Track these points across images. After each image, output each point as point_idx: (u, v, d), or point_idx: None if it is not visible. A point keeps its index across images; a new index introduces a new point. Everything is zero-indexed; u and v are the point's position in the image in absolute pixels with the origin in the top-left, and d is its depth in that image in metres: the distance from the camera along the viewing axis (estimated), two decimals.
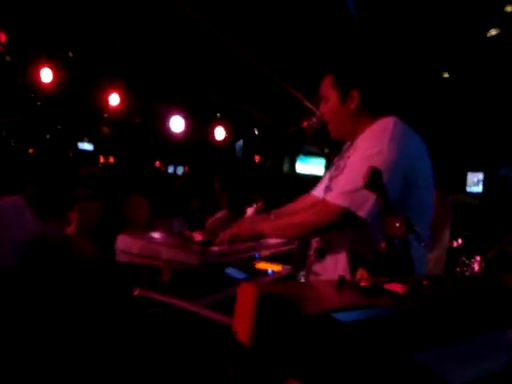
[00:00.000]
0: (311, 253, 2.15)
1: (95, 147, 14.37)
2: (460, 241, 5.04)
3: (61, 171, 3.31)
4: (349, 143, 2.21)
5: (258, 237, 2.19)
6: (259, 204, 5.57)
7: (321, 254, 2.12)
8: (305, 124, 2.51)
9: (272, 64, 6.29)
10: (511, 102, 7.20)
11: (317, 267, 2.12)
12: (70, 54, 7.31)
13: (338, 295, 0.98)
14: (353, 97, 2.08)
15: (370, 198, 1.79)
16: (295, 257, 3.24)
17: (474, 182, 10.53)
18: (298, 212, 2.24)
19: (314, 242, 2.15)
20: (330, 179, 2.20)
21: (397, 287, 1.11)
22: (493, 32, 5.24)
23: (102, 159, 13.33)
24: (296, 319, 0.83)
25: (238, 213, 4.63)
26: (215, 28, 5.61)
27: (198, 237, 2.48)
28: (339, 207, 1.84)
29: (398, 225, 1.56)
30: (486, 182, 10.22)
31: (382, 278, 1.29)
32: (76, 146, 14.08)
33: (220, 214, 4.53)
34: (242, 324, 0.92)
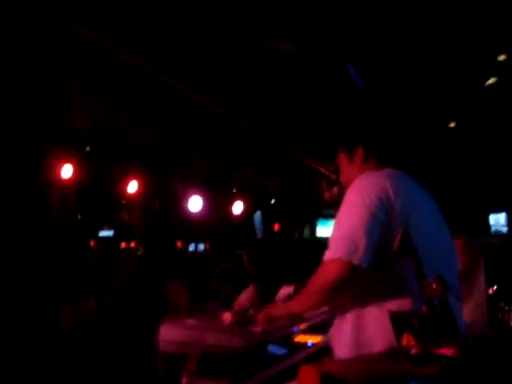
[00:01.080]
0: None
1: (115, 233, 14.55)
2: (495, 287, 4.95)
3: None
4: None
5: (291, 317, 2.24)
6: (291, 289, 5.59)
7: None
8: (327, 195, 2.62)
9: (282, 134, 6.49)
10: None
11: (330, 335, 2.15)
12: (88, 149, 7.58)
13: (394, 367, 1.02)
14: (358, 154, 2.20)
15: (360, 244, 1.84)
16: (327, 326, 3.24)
17: (499, 223, 10.43)
18: (310, 280, 2.28)
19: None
20: None
21: (447, 351, 1.14)
22: (490, 81, 5.45)
23: (123, 244, 13.48)
24: None
25: (265, 287, 4.63)
26: (226, 106, 5.85)
27: (228, 317, 2.50)
28: (334, 261, 1.88)
29: (434, 286, 1.60)
30: (510, 222, 10.13)
31: (429, 343, 1.32)
32: (97, 234, 14.31)
33: (248, 291, 4.54)
34: None
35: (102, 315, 3.53)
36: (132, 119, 5.73)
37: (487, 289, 4.15)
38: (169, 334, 2.26)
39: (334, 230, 1.98)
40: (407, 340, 1.47)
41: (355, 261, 1.83)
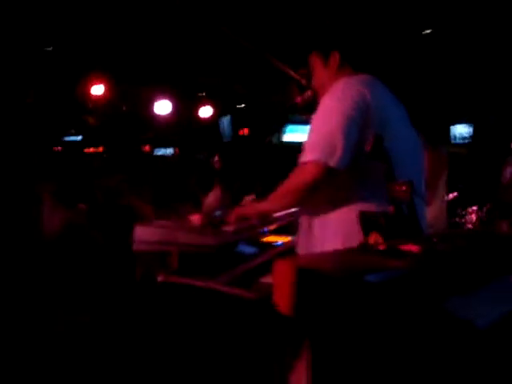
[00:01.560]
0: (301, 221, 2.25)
1: (83, 138, 14.31)
2: (455, 193, 5.17)
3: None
4: None
5: (262, 216, 2.29)
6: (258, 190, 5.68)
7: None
8: (298, 99, 2.60)
9: (255, 38, 6.31)
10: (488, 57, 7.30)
11: (305, 238, 2.22)
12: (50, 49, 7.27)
13: (364, 260, 1.09)
14: (334, 58, 2.18)
15: (337, 147, 1.87)
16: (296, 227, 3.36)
17: (461, 133, 10.63)
18: (285, 180, 2.30)
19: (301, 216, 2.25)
20: None
21: (412, 247, 1.22)
22: None
23: (91, 149, 13.32)
24: (331, 286, 0.94)
25: (232, 189, 4.72)
26: (195, 6, 5.60)
27: (197, 218, 2.56)
28: (311, 163, 1.91)
29: (403, 188, 1.66)
30: (474, 132, 10.34)
31: (395, 240, 1.40)
32: (63, 139, 14.03)
33: (215, 193, 4.61)
34: (282, 296, 1.02)
35: (93, 217, 3.59)
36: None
37: (447, 195, 4.35)
38: (142, 234, 2.30)
39: (311, 133, 1.99)
40: (374, 238, 1.55)
41: (332, 163, 1.86)
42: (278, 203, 2.14)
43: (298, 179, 1.99)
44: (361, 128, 1.91)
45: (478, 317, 0.77)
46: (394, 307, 0.85)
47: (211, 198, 4.64)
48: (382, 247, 1.23)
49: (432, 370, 0.80)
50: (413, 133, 2.21)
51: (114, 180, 4.72)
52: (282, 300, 1.01)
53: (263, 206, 2.19)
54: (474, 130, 10.44)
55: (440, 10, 6.17)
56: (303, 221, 2.21)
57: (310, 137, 2.00)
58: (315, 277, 0.97)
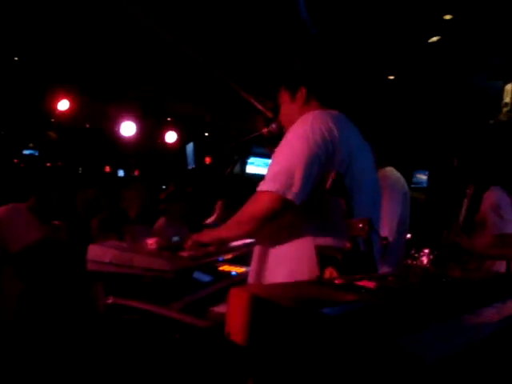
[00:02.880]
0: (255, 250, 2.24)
1: (40, 153, 14.03)
2: (409, 235, 5.28)
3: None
4: None
5: (219, 242, 2.27)
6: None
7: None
8: (264, 130, 2.62)
9: (224, 68, 6.38)
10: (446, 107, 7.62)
11: (257, 267, 2.21)
12: (16, 58, 7.16)
13: (320, 293, 1.09)
14: (301, 94, 2.22)
15: (297, 180, 1.86)
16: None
17: (420, 179, 11.00)
18: (241, 208, 2.29)
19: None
20: None
21: (367, 283, 1.23)
22: (434, 39, 5.57)
23: (48, 164, 13.03)
24: (286, 317, 0.93)
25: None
26: (166, 30, 5.64)
27: (152, 243, 2.52)
28: (268, 193, 1.89)
29: (361, 225, 1.69)
30: (430, 179, 10.71)
31: (350, 275, 1.41)
32: (20, 153, 13.72)
33: (160, 222, 4.57)
34: (235, 325, 1.01)
35: (74, 232, 3.51)
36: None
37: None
38: (96, 253, 2.25)
39: (273, 162, 1.99)
40: (330, 273, 1.57)
41: (289, 195, 1.86)
42: (234, 231, 2.11)
43: (254, 208, 1.97)
44: (323, 164, 1.91)
45: (429, 352, 0.78)
46: (349, 341, 0.85)
47: (163, 222, 4.59)
48: (337, 281, 1.23)
49: None
50: (374, 171, 2.25)
51: (91, 194, 4.66)
52: (235, 329, 1.00)
53: (219, 232, 2.17)
54: (430, 177, 10.80)
55: (406, 58, 6.42)
56: (256, 250, 2.19)
57: (271, 166, 2.00)
58: (270, 307, 0.96)
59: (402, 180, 3.30)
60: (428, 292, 1.23)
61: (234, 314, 1.01)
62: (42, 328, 2.83)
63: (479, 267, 3.41)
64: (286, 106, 2.29)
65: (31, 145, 14.21)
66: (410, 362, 0.76)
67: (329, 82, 2.32)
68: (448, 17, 5.16)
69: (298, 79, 2.26)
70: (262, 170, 12.42)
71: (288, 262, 2.01)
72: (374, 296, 1.08)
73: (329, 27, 5.09)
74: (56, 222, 3.34)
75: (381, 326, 0.88)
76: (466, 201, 3.55)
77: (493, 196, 3.33)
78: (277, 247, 2.06)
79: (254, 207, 1.96)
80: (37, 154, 14.53)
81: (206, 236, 2.22)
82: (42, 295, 2.93)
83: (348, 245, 1.65)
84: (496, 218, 3.25)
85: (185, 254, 2.31)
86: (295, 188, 1.86)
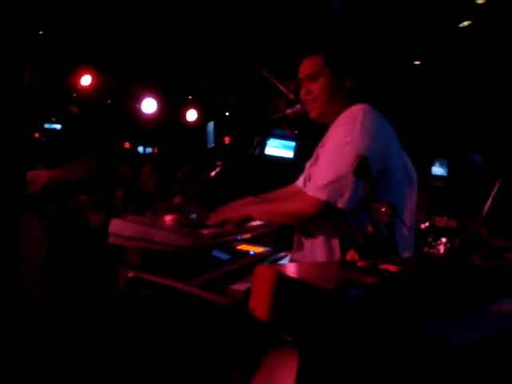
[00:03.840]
0: (295, 238, 2.27)
1: (63, 127, 14.14)
2: (427, 223, 5.26)
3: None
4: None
5: (247, 219, 2.30)
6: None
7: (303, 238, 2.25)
8: (289, 111, 2.60)
9: (247, 47, 6.34)
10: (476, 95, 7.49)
11: (298, 251, 2.25)
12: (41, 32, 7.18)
13: (343, 274, 1.10)
14: (348, 81, 2.19)
15: (348, 189, 1.90)
16: (275, 239, 3.36)
17: (440, 168, 10.90)
18: (284, 200, 2.32)
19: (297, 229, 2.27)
20: (308, 169, 2.30)
21: (389, 267, 1.23)
22: (465, 23, 5.46)
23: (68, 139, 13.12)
24: (311, 296, 0.94)
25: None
26: (191, 9, 5.61)
27: (169, 219, 2.55)
28: (318, 200, 1.92)
29: (383, 210, 1.68)
30: (450, 168, 10.60)
31: (372, 259, 1.41)
32: (42, 126, 13.84)
33: (175, 200, 4.60)
34: (260, 302, 1.02)
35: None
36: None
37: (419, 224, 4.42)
38: (118, 227, 2.28)
39: (323, 165, 1.99)
40: (351, 255, 1.57)
41: (339, 204, 1.88)
42: (269, 216, 2.17)
43: (299, 207, 1.99)
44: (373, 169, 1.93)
45: (454, 338, 0.78)
46: (372, 322, 0.86)
47: (178, 200, 4.62)
48: (360, 264, 1.24)
49: None
50: (405, 162, 2.26)
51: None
52: (259, 305, 1.01)
53: (251, 210, 2.19)
54: (450, 167, 10.70)
55: (431, 44, 6.30)
56: (296, 238, 2.23)
57: (320, 169, 2.00)
58: (295, 285, 0.97)
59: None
60: (451, 279, 1.22)
61: (259, 290, 1.02)
62: (63, 294, 2.87)
63: (498, 257, 3.39)
64: (329, 86, 2.21)
65: (53, 119, 14.32)
66: (435, 347, 0.77)
67: (368, 73, 2.29)
68: (481, 1, 5.04)
69: (347, 65, 2.22)
70: (281, 152, 12.39)
71: (324, 250, 2.04)
72: (398, 279, 1.09)
73: (357, 7, 5.02)
74: (83, 197, 3.34)
75: (404, 309, 0.89)
76: (493, 193, 3.51)
77: None
78: (312, 236, 2.09)
79: (301, 207, 1.99)
80: (58, 128, 14.65)
81: (234, 213, 2.23)
82: (68, 263, 2.96)
83: (370, 228, 1.66)
84: None
85: (205, 231, 2.32)
86: (346, 196, 1.89)
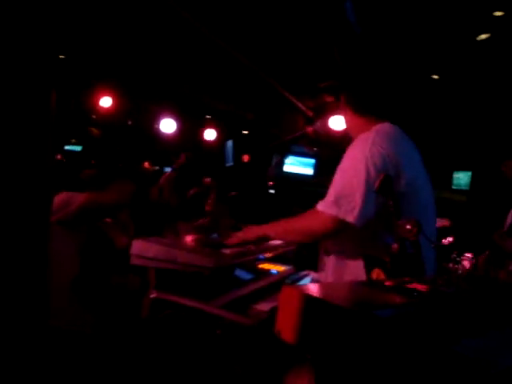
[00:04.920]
0: (320, 257, 2.27)
1: (84, 149, 14.31)
2: (451, 238, 5.18)
3: None
4: None
5: (263, 239, 2.32)
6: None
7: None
8: (310, 130, 2.62)
9: (264, 65, 6.38)
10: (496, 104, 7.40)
11: (322, 271, 2.25)
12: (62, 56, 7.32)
13: (371, 294, 1.08)
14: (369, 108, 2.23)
15: (358, 203, 1.91)
16: (295, 258, 3.35)
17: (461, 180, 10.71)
18: (298, 218, 2.34)
19: (322, 247, 2.27)
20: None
21: (418, 286, 1.21)
22: (483, 36, 5.42)
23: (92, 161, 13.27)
24: (338, 317, 0.92)
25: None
26: (208, 29, 5.66)
27: (190, 239, 2.56)
28: (328, 216, 1.95)
29: (409, 227, 1.66)
30: (472, 180, 10.42)
31: (399, 278, 1.39)
32: (62, 148, 14.02)
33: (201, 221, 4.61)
34: (287, 324, 1.00)
35: None
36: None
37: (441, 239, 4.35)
38: (140, 248, 2.28)
39: (336, 183, 2.02)
40: (377, 274, 1.54)
41: (350, 218, 1.90)
42: (282, 236, 2.21)
43: (313, 224, 2.03)
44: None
45: (491, 360, 0.75)
46: (401, 344, 0.83)
47: (204, 221, 4.63)
48: (387, 283, 1.21)
49: None
50: (427, 178, 2.26)
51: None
52: (286, 328, 0.99)
53: (268, 230, 2.21)
54: (473, 178, 10.51)
55: (449, 58, 6.26)
56: (320, 257, 2.24)
57: (332, 186, 2.02)
58: (322, 306, 0.95)
59: None
60: (481, 297, 1.19)
61: (286, 312, 1.01)
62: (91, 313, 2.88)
63: None
64: (352, 119, 2.29)
65: (74, 140, 14.51)
66: (470, 370, 0.74)
67: (381, 93, 2.31)
68: (499, 13, 5.00)
69: (360, 88, 2.25)
70: (300, 169, 12.37)
71: (349, 270, 2.04)
72: (427, 299, 1.06)
73: (373, 23, 5.02)
74: (107, 219, 3.35)
75: (435, 330, 0.86)
76: None
77: None
78: (337, 257, 2.11)
79: (314, 224, 2.02)
80: (78, 149, 14.83)
81: (251, 233, 2.25)
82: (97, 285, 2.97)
83: (395, 246, 1.63)
84: None
85: (227, 251, 2.32)
86: (356, 211, 1.90)
